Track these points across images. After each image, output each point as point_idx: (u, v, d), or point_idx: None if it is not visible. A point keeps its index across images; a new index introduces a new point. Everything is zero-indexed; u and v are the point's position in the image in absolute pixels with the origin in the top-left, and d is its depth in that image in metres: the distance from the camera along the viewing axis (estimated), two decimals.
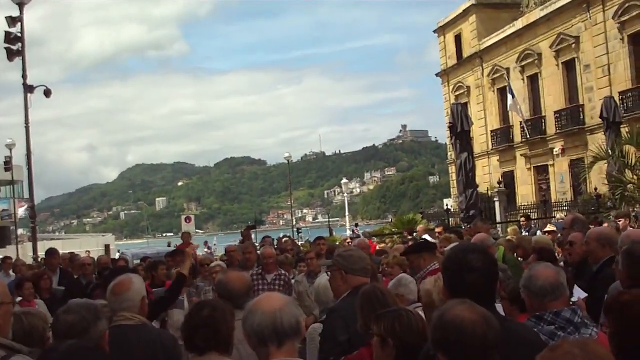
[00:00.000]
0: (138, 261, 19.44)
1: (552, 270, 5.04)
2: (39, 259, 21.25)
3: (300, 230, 59.67)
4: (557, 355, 2.82)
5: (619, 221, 14.59)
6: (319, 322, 6.55)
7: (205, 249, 42.40)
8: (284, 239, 24.96)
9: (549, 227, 17.15)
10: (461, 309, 3.42)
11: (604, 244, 7.70)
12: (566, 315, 4.74)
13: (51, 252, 15.84)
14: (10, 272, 15.97)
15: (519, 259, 11.05)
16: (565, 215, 22.93)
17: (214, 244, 61.58)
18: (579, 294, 6.84)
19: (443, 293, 4.47)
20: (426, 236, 20.43)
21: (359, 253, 6.57)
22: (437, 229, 16.61)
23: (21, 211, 58.00)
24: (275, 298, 3.80)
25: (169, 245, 41.58)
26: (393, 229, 35.57)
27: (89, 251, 47.98)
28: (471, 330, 3.32)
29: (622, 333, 3.79)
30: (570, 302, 6.05)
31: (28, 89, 23.86)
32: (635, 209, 21.95)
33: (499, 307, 5.73)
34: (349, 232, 49.49)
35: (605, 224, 14.91)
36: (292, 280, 11.85)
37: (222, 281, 5.90)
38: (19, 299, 11.38)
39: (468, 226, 18.81)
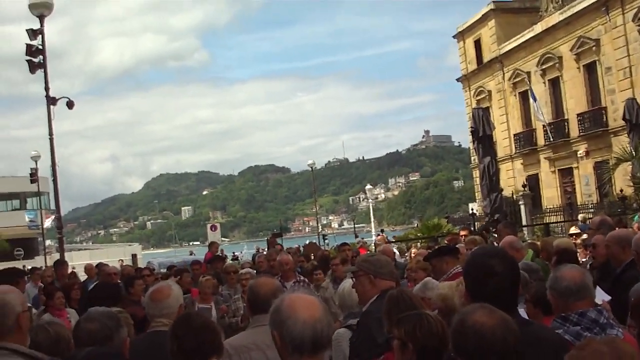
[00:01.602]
0: (165, 270, 19.60)
1: (578, 271, 5.08)
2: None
3: (326, 237, 59.62)
4: (585, 354, 2.85)
5: None
6: (344, 327, 6.59)
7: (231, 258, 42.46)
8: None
9: (573, 230, 17.14)
10: (481, 314, 3.42)
11: (625, 246, 7.61)
12: (592, 316, 4.76)
13: (61, 262, 16.00)
14: (40, 283, 16.17)
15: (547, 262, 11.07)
16: (588, 218, 22.94)
17: (241, 252, 61.66)
18: (602, 296, 6.87)
19: (465, 297, 4.49)
20: None
21: (385, 257, 6.61)
22: (461, 233, 16.66)
23: (48, 222, 58.30)
24: (313, 304, 3.65)
25: (191, 254, 41.72)
26: (419, 234, 35.54)
27: (122, 260, 48.41)
28: (491, 335, 3.31)
29: None
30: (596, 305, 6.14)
31: (51, 101, 23.96)
32: None
33: (522, 310, 5.81)
34: (373, 238, 49.56)
35: (636, 225, 14.89)
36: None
37: (252, 286, 5.98)
38: (42, 307, 11.59)
39: (493, 230, 18.84)
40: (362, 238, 50.28)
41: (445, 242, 15.83)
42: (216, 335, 4.69)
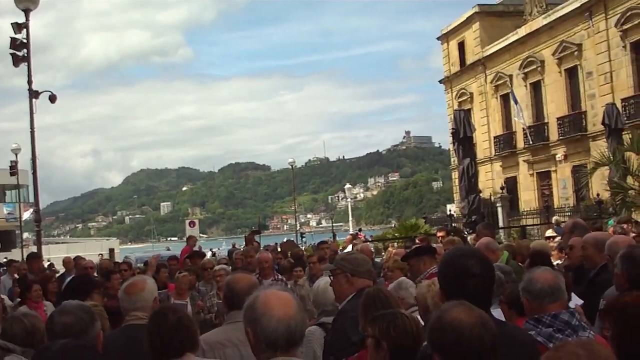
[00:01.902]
0: (142, 265, 19.58)
1: (551, 274, 5.12)
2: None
3: (304, 235, 59.68)
4: (561, 355, 2.84)
5: (624, 226, 14.67)
6: (316, 324, 6.59)
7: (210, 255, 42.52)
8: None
9: (550, 233, 17.23)
10: (459, 311, 3.41)
11: (601, 249, 7.53)
12: (564, 318, 4.80)
13: (35, 256, 15.97)
14: (16, 275, 16.16)
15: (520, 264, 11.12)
16: (562, 221, 23.08)
17: (218, 249, 61.62)
18: (575, 300, 6.92)
19: (439, 298, 4.51)
20: None
21: (363, 256, 6.62)
22: (439, 233, 16.69)
23: (27, 215, 58.05)
24: (287, 301, 3.68)
25: (168, 250, 41.73)
26: (396, 234, 35.60)
27: (102, 254, 48.31)
28: (469, 332, 3.30)
29: (623, 335, 3.78)
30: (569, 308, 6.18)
31: (33, 94, 23.87)
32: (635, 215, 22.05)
33: (497, 311, 5.85)
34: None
35: (611, 230, 14.97)
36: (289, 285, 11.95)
37: (229, 282, 5.98)
38: (17, 300, 11.59)
39: (471, 232, 18.89)
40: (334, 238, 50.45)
41: (417, 241, 15.86)
42: (192, 331, 4.69)
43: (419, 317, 5.23)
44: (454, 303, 3.56)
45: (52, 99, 25.17)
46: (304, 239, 54.39)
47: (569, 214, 36.77)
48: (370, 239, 36.09)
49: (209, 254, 40.98)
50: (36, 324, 5.13)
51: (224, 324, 5.36)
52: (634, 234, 12.17)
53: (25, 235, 70.41)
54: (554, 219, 28.57)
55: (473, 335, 3.31)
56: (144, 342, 4.62)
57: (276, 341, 3.56)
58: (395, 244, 27.52)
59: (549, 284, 4.95)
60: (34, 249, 31.42)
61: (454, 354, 3.32)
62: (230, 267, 12.82)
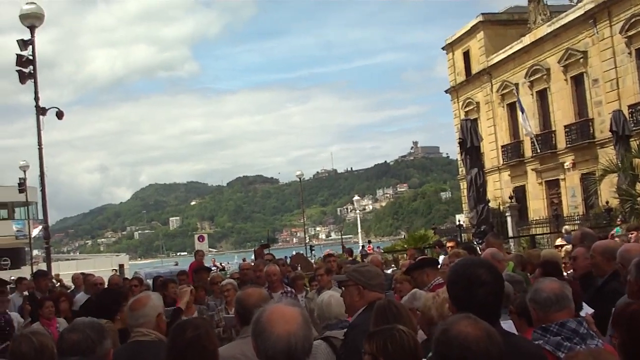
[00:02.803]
0: (151, 281, 19.54)
1: (557, 283, 5.11)
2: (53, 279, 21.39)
3: (313, 248, 59.70)
4: None
5: (631, 234, 14.59)
6: (319, 338, 6.53)
7: (214, 267, 42.51)
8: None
9: (559, 242, 17.19)
10: (465, 324, 3.41)
11: (609, 257, 7.53)
12: (572, 326, 4.79)
13: (42, 274, 15.95)
14: (25, 293, 16.16)
15: (528, 274, 11.08)
16: (572, 230, 22.97)
17: (228, 263, 61.64)
18: (586, 309, 6.88)
19: (450, 308, 4.47)
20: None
21: (375, 269, 6.55)
22: (448, 244, 16.69)
23: (36, 232, 58.15)
24: (290, 317, 3.66)
25: (176, 265, 41.76)
26: (405, 245, 35.57)
27: (115, 270, 48.38)
28: (475, 346, 3.30)
29: (630, 343, 3.81)
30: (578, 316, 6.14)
31: (40, 111, 23.95)
32: None
33: (508, 322, 5.83)
34: (359, 249, 49.59)
35: (617, 238, 14.89)
36: (301, 298, 11.94)
37: (239, 297, 5.98)
38: (29, 319, 11.61)
39: (481, 242, 18.84)
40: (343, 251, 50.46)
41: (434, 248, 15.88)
42: (209, 350, 4.69)
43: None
44: (459, 316, 3.56)
45: (60, 115, 25.22)
46: (313, 252, 54.40)
47: (579, 222, 36.68)
48: (378, 251, 36.08)
49: (213, 267, 41.03)
50: (45, 342, 5.11)
51: (237, 339, 5.35)
52: None
53: (35, 252, 70.56)
54: (564, 228, 28.49)
55: (480, 348, 3.31)
56: (150, 357, 4.62)
57: (274, 357, 3.58)
58: (406, 255, 27.54)
59: (555, 292, 4.95)
60: (43, 266, 31.49)
61: None
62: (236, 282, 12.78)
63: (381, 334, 4.21)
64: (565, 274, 10.35)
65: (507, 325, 5.44)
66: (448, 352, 3.36)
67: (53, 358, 4.97)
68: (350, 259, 23.58)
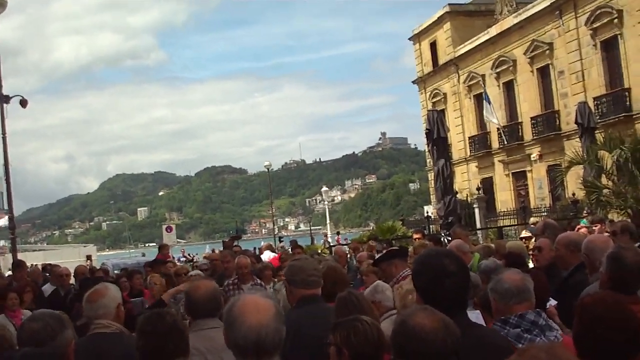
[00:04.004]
0: (118, 271, 19.45)
1: (519, 275, 5.12)
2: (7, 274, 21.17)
3: (282, 239, 59.62)
4: None
5: (595, 227, 14.69)
6: None
7: (182, 258, 42.42)
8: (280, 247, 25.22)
9: (525, 234, 17.25)
10: (422, 316, 3.45)
11: (574, 249, 7.58)
12: (531, 318, 4.81)
13: (19, 264, 15.81)
14: None
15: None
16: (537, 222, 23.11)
17: (197, 254, 61.44)
18: (550, 301, 6.93)
19: (416, 300, 4.45)
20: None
21: (303, 264, 6.33)
22: (415, 235, 16.72)
23: (1, 222, 57.68)
24: (263, 308, 3.66)
25: (143, 256, 41.57)
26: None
27: (90, 260, 48.06)
28: (433, 337, 3.34)
29: (582, 334, 3.90)
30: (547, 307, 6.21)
31: (4, 99, 23.77)
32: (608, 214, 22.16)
33: (475, 313, 5.86)
34: (330, 240, 49.67)
35: (583, 230, 14.98)
36: (270, 289, 11.94)
37: (187, 290, 5.97)
38: None
39: (448, 233, 18.90)
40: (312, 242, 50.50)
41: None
42: (185, 335, 4.73)
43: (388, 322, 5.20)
44: (417, 307, 3.62)
45: (23, 103, 25.00)
46: (281, 243, 54.35)
47: (545, 214, 36.84)
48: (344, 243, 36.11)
49: (181, 258, 40.89)
50: (2, 334, 5.10)
51: (190, 332, 5.33)
52: (607, 234, 12.20)
53: (1, 243, 69.80)
54: (531, 219, 28.63)
55: (437, 339, 3.35)
56: (109, 352, 4.59)
57: (246, 348, 3.57)
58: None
59: (516, 284, 4.96)
60: (9, 257, 31.21)
61: (418, 358, 3.36)
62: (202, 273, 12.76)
63: (344, 325, 4.23)
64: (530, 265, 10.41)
65: (475, 315, 5.46)
66: (406, 343, 3.40)
67: (13, 348, 4.96)
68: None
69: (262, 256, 20.03)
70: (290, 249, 25.40)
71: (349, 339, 4.13)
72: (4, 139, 24.14)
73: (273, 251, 22.28)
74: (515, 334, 4.72)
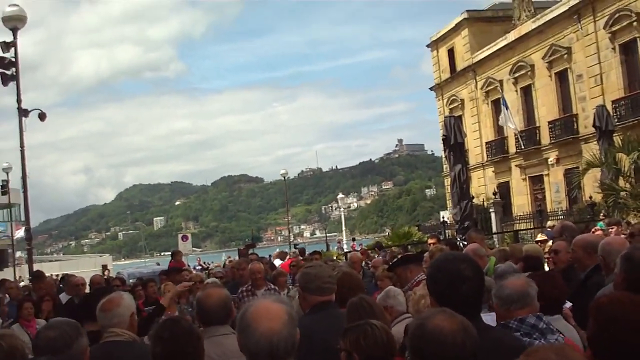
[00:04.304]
0: (134, 281, 19.44)
1: (521, 280, 5.14)
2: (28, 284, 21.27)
3: (297, 246, 59.70)
4: None
5: (611, 229, 14.60)
6: None
7: (198, 266, 42.51)
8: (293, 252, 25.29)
9: (540, 237, 17.18)
10: (441, 318, 3.42)
11: (591, 251, 7.57)
12: (531, 322, 4.80)
13: (38, 275, 15.79)
14: (7, 295, 16.06)
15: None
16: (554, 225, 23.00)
17: (212, 262, 61.53)
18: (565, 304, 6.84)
19: (431, 304, 4.44)
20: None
21: (318, 271, 6.34)
22: (430, 240, 16.66)
23: (19, 234, 57.99)
24: (275, 314, 3.64)
25: (158, 265, 41.71)
26: (389, 242, 35.57)
27: (108, 270, 48.33)
28: (451, 339, 3.31)
29: (597, 335, 3.83)
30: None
31: (23, 112, 23.91)
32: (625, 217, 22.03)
33: (491, 315, 5.78)
34: (345, 247, 49.64)
35: (599, 232, 14.88)
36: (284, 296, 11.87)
37: (199, 298, 5.95)
38: (10, 320, 11.52)
39: (464, 238, 18.83)
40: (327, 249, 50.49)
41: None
42: (199, 342, 4.72)
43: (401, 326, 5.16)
44: (435, 310, 3.60)
45: (42, 117, 25.17)
46: (295, 250, 54.35)
47: (562, 217, 36.76)
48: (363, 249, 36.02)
49: (197, 267, 40.96)
50: (14, 344, 5.07)
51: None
52: (624, 236, 12.09)
53: (18, 254, 70.33)
54: (548, 223, 28.51)
55: (456, 342, 3.32)
56: (124, 358, 4.57)
57: (258, 355, 3.55)
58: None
59: (517, 290, 4.96)
60: (26, 267, 31.39)
61: None
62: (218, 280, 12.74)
63: (354, 329, 4.26)
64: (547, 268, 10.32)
65: (490, 318, 5.40)
66: (424, 346, 3.36)
67: (24, 358, 4.92)
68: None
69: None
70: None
71: (359, 343, 4.17)
72: (22, 152, 24.31)
73: (283, 259, 22.31)
74: None
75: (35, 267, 25.65)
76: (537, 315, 4.90)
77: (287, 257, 22.60)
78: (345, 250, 41.48)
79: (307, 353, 5.10)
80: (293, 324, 3.67)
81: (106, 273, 40.85)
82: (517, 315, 4.84)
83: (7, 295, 15.83)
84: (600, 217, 25.14)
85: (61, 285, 16.22)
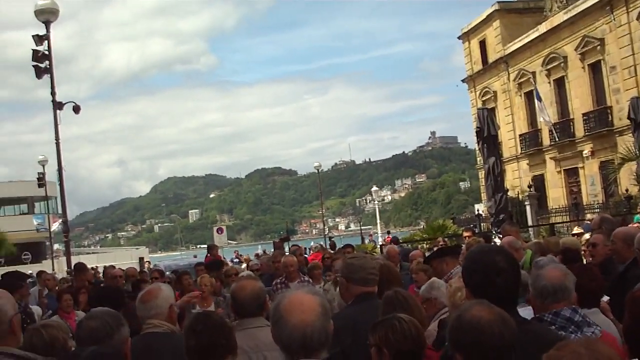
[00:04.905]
0: (169, 273, 19.58)
1: (559, 272, 5.00)
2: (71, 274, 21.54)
3: (332, 239, 59.75)
4: (563, 355, 2.82)
5: None
6: None
7: (236, 259, 42.66)
8: (315, 247, 25.23)
9: (577, 230, 17.11)
10: (479, 309, 3.45)
11: (630, 243, 7.57)
12: (566, 315, 4.71)
13: (80, 267, 15.97)
14: (45, 286, 16.30)
15: None
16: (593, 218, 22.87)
17: (248, 255, 61.72)
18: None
19: (466, 296, 4.46)
20: None
21: (362, 262, 6.31)
22: (465, 233, 16.65)
23: (55, 226, 58.53)
24: (308, 306, 3.63)
25: (195, 257, 41.95)
26: (424, 235, 35.51)
27: (149, 261, 48.72)
28: (489, 330, 3.33)
29: (632, 327, 3.84)
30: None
31: (57, 105, 24.06)
32: None
33: (527, 309, 5.79)
34: (379, 240, 49.60)
35: (636, 226, 14.82)
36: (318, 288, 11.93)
37: (232, 290, 5.99)
38: (49, 311, 11.68)
39: (499, 231, 18.79)
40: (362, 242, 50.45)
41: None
42: (232, 335, 4.77)
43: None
44: (473, 302, 3.61)
45: (76, 109, 25.34)
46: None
47: (598, 210, 36.49)
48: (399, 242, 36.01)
49: (234, 259, 41.17)
50: (55, 335, 5.14)
51: (235, 332, 5.39)
52: None
53: (56, 246, 70.95)
54: (587, 216, 28.38)
55: (494, 332, 3.35)
56: (160, 351, 4.63)
57: (290, 346, 3.58)
58: (425, 245, 27.55)
59: (553, 282, 4.84)
60: (63, 260, 31.72)
61: (475, 351, 3.35)
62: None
63: (382, 324, 4.29)
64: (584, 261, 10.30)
65: (527, 312, 5.41)
66: (462, 337, 3.40)
67: (65, 349, 5.00)
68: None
69: None
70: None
71: (388, 338, 4.19)
72: (57, 144, 24.48)
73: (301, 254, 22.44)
74: None
75: (73, 259, 25.87)
76: (573, 308, 4.80)
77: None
78: (380, 243, 41.47)
79: (353, 344, 5.16)
80: (327, 316, 3.68)
81: (146, 265, 41.14)
82: (553, 309, 4.76)
83: (45, 288, 16.08)
84: (638, 210, 24.97)
85: (100, 277, 16.40)
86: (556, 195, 50.21)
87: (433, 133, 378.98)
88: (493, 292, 4.04)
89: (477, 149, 44.44)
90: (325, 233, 72.25)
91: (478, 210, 48.57)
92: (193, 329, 4.68)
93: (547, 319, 4.73)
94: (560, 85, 49.65)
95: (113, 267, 16.76)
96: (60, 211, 31.73)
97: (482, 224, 36.48)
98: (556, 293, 4.83)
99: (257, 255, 25.92)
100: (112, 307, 6.43)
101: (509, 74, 55.68)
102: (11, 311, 4.51)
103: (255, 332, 5.47)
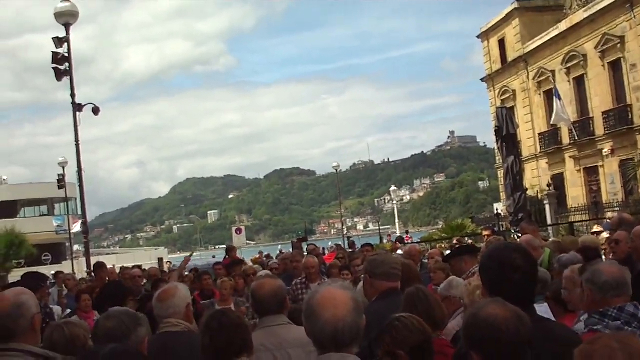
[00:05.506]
0: (188, 273, 19.63)
1: (618, 268, 5.09)
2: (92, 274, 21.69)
3: (350, 239, 59.85)
4: (596, 349, 2.84)
5: None
6: None
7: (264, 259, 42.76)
8: (330, 247, 25.28)
9: (596, 228, 17.06)
10: (494, 307, 3.44)
11: None
12: (630, 310, 4.76)
13: (100, 265, 16.05)
14: (64, 286, 16.39)
15: None
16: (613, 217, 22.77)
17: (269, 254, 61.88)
18: None
19: (482, 293, 4.48)
20: None
21: (385, 257, 6.44)
22: (484, 232, 16.63)
23: (76, 227, 58.76)
24: (340, 301, 3.66)
25: (213, 258, 42.04)
26: (443, 235, 35.47)
27: (169, 261, 48.84)
28: (505, 327, 3.33)
29: None
30: None
31: (77, 107, 24.25)
32: None
33: (544, 307, 5.79)
34: (387, 239, 49.66)
35: None
36: None
37: (252, 289, 6.00)
38: (68, 311, 11.76)
39: (518, 230, 18.75)
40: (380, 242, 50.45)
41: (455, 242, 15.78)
42: (248, 333, 4.79)
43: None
44: (488, 300, 3.61)
45: (95, 111, 25.50)
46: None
47: (618, 209, 36.28)
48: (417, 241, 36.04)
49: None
50: (76, 332, 5.18)
51: (257, 330, 5.39)
52: None
53: (76, 247, 71.37)
54: (607, 215, 28.25)
55: (509, 329, 3.34)
56: (177, 350, 4.65)
57: (323, 341, 3.62)
58: (444, 245, 27.50)
59: (614, 277, 4.91)
60: (83, 261, 31.86)
61: (491, 348, 3.35)
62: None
63: (384, 332, 4.31)
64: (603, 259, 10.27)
65: (543, 309, 5.40)
66: (478, 334, 3.39)
67: (85, 347, 5.04)
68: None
69: None
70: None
71: (395, 338, 4.20)
72: (77, 146, 24.68)
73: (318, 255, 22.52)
74: (615, 327, 4.67)
75: (93, 260, 26.03)
76: (634, 303, 4.85)
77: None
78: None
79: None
80: (359, 311, 3.70)
81: (166, 265, 41.26)
82: (614, 304, 4.80)
83: (64, 288, 16.19)
84: None
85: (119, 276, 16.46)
86: (576, 194, 50.02)
87: (452, 132, 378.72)
88: (509, 288, 4.03)
89: (496, 148, 44.36)
90: (344, 233, 72.32)
91: (497, 210, 48.43)
92: (209, 327, 4.69)
93: (612, 314, 4.77)
94: (580, 83, 49.38)
95: (130, 267, 16.83)
96: (80, 212, 31.94)
97: (501, 223, 36.37)
98: (618, 287, 4.88)
99: (278, 256, 26.09)
100: (114, 303, 6.52)
101: (528, 72, 55.48)
102: (34, 309, 4.57)
103: (277, 329, 5.48)
